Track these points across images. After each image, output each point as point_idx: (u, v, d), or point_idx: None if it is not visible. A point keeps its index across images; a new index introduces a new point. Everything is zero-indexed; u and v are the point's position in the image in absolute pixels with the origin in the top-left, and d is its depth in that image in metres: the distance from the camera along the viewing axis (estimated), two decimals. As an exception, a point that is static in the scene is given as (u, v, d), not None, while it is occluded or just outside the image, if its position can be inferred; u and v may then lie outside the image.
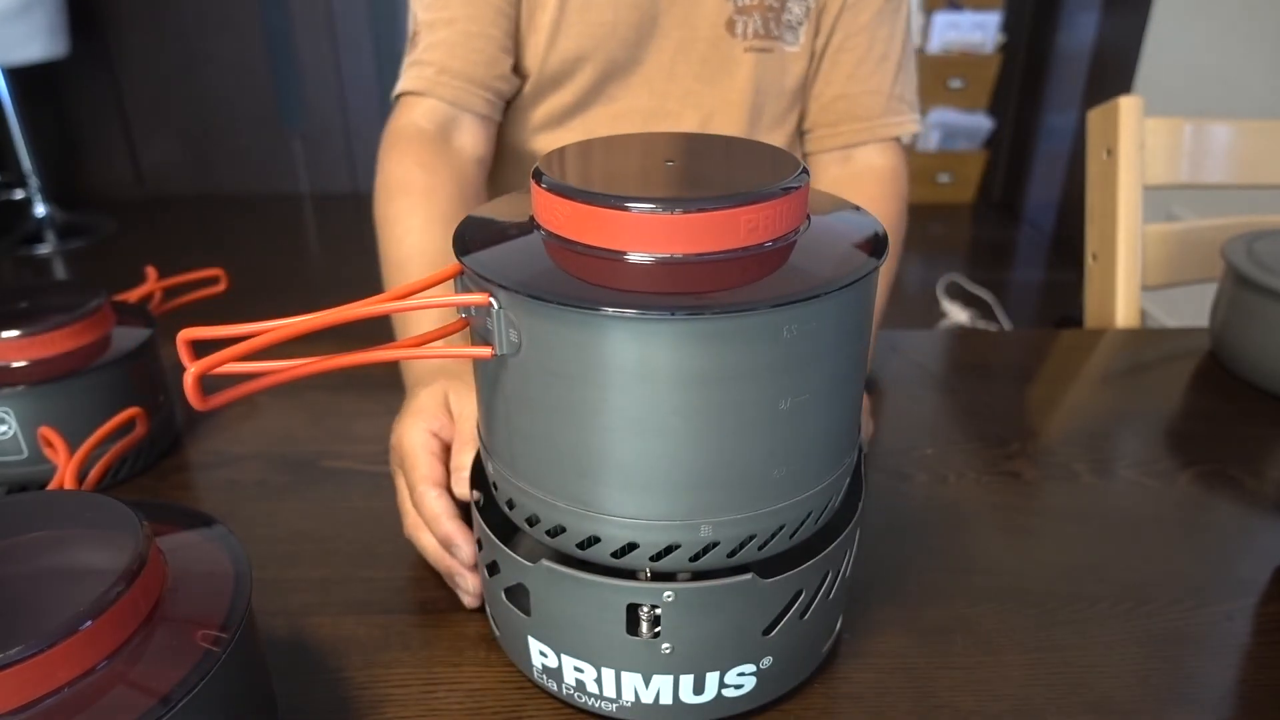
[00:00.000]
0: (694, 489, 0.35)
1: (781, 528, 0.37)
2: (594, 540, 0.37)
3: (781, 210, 0.34)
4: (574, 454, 0.35)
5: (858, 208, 0.40)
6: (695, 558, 0.36)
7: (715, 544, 0.36)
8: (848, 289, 0.33)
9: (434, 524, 0.48)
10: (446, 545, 0.48)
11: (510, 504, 0.40)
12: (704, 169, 0.39)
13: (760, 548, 0.37)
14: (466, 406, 0.53)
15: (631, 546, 0.36)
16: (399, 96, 0.77)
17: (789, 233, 0.35)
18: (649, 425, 0.33)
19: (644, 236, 0.33)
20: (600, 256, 0.34)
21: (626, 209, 0.33)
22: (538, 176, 0.35)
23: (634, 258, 0.33)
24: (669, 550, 0.36)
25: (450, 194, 0.71)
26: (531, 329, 0.33)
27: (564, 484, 0.36)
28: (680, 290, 0.32)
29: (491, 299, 0.34)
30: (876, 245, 0.36)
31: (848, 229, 0.38)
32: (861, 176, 0.82)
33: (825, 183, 0.83)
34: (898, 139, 0.83)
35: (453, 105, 0.76)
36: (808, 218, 0.37)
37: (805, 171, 0.36)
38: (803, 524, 0.38)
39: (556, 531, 0.38)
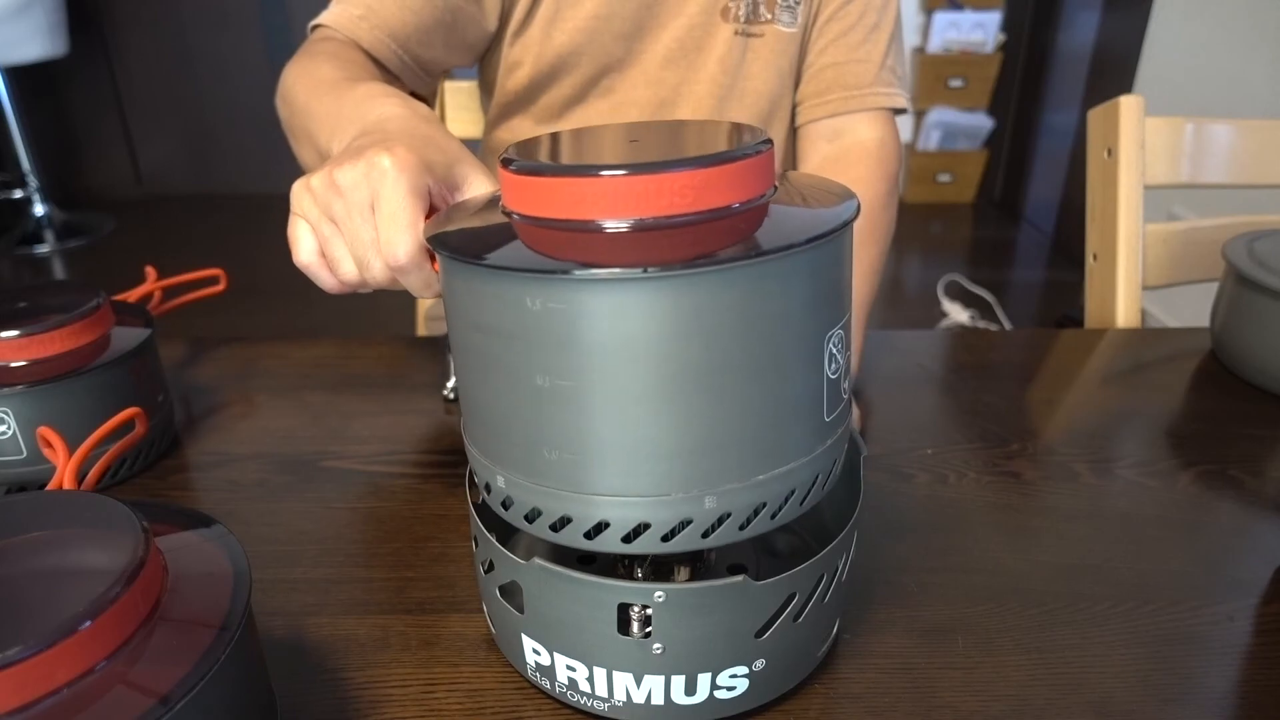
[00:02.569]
0: (618, 458, 0.34)
1: (763, 505, 0.36)
2: (566, 521, 0.36)
3: (701, 180, 0.33)
4: (486, 413, 0.37)
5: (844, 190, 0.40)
6: (667, 537, 0.36)
7: (688, 522, 0.35)
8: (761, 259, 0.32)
9: (420, 292, 0.45)
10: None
11: (488, 488, 0.40)
12: (664, 144, 0.39)
13: (740, 527, 0.36)
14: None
15: (603, 526, 0.36)
16: (315, 28, 0.73)
17: (734, 204, 0.34)
18: (522, 388, 0.34)
19: (578, 202, 0.33)
20: (543, 225, 0.35)
21: (544, 175, 0.34)
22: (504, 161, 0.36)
23: (608, 225, 0.33)
24: (641, 529, 0.35)
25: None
26: (446, 279, 0.37)
27: (512, 454, 0.37)
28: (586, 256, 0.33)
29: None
30: (847, 206, 0.36)
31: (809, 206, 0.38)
32: (849, 154, 0.81)
33: (814, 161, 0.82)
34: (889, 110, 0.83)
35: (369, 52, 0.72)
36: (775, 184, 0.37)
37: (767, 141, 0.36)
38: (785, 503, 0.37)
39: (533, 516, 0.37)
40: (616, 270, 0.31)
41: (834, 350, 0.36)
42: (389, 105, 0.53)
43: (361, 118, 0.53)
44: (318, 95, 0.61)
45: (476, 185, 0.47)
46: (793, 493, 0.37)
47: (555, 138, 0.40)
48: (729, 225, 0.34)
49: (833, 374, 0.36)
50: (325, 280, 0.47)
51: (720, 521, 0.36)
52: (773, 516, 0.37)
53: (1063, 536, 0.55)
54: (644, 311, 0.32)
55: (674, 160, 0.33)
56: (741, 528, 0.36)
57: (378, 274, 0.44)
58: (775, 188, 0.37)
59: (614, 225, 0.33)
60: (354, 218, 0.44)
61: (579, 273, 0.31)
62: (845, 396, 0.39)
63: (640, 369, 0.32)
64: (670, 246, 0.33)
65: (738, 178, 0.34)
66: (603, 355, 0.32)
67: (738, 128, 0.39)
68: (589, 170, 0.33)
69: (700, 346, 0.32)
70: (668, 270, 0.31)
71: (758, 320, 0.33)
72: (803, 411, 0.36)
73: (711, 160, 0.33)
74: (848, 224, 0.35)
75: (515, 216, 0.36)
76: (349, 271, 0.45)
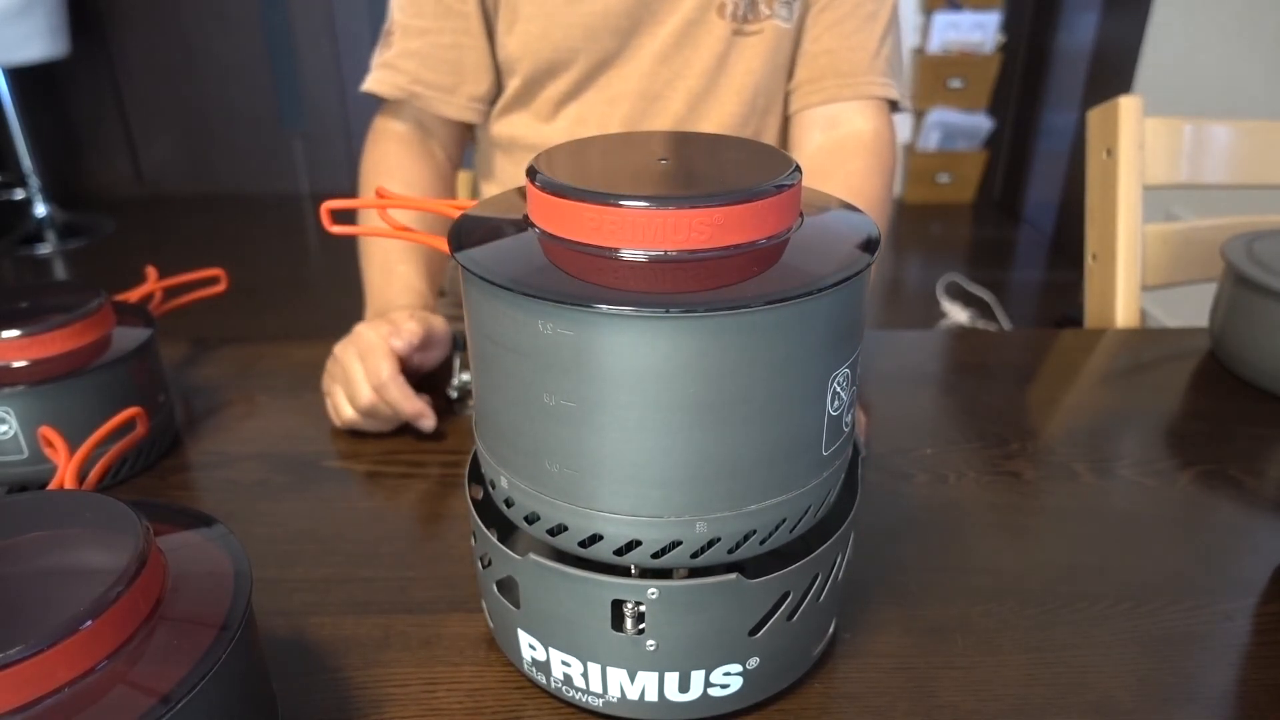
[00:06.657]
0: (624, 479, 0.35)
1: (753, 532, 0.37)
2: (563, 528, 0.37)
3: (727, 217, 0.33)
4: (495, 417, 0.37)
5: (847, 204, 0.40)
6: (657, 555, 0.36)
7: (678, 543, 0.36)
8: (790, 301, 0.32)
9: (401, 405, 0.63)
10: (418, 418, 0.64)
11: (492, 484, 0.40)
12: (693, 168, 0.39)
13: (730, 550, 0.37)
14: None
15: (598, 537, 0.36)
16: (376, 97, 0.84)
17: (755, 241, 0.34)
18: (531, 403, 0.35)
19: (607, 230, 0.33)
20: (562, 244, 0.34)
21: (577, 199, 0.33)
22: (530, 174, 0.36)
23: (625, 254, 0.33)
24: (633, 545, 0.36)
25: (429, 178, 0.84)
26: (466, 288, 0.37)
27: (516, 460, 0.37)
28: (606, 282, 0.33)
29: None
30: (867, 246, 0.36)
31: (833, 232, 0.38)
32: (845, 145, 0.80)
33: (809, 149, 0.82)
34: (884, 100, 0.82)
35: (427, 112, 0.83)
36: (800, 215, 0.36)
37: (797, 169, 0.35)
38: (775, 530, 0.37)
39: (533, 518, 0.38)
40: (628, 309, 0.31)
41: (838, 388, 0.36)
42: (394, 296, 0.74)
43: (373, 303, 0.75)
44: (369, 255, 0.78)
45: (437, 332, 0.69)
46: (784, 521, 0.37)
47: (582, 147, 0.40)
48: (748, 261, 0.33)
49: (834, 411, 0.37)
50: (336, 418, 0.67)
51: (710, 545, 0.36)
52: (762, 543, 0.37)
53: (1062, 536, 0.55)
54: (653, 347, 0.32)
55: (696, 195, 0.33)
56: (730, 551, 0.37)
57: (364, 398, 0.63)
58: (801, 218, 0.36)
59: (631, 255, 0.33)
60: (351, 364, 0.65)
61: (592, 306, 0.31)
62: (846, 430, 0.39)
63: (643, 399, 0.33)
64: (686, 280, 0.33)
65: (760, 215, 0.33)
66: (608, 383, 0.33)
67: (769, 153, 0.38)
68: (609, 199, 0.33)
69: (704, 382, 0.32)
70: (683, 312, 0.31)
71: (765, 361, 0.33)
72: (800, 447, 0.36)
73: (734, 197, 0.33)
74: (867, 267, 0.35)
75: (537, 231, 0.36)
76: (343, 405, 0.65)
